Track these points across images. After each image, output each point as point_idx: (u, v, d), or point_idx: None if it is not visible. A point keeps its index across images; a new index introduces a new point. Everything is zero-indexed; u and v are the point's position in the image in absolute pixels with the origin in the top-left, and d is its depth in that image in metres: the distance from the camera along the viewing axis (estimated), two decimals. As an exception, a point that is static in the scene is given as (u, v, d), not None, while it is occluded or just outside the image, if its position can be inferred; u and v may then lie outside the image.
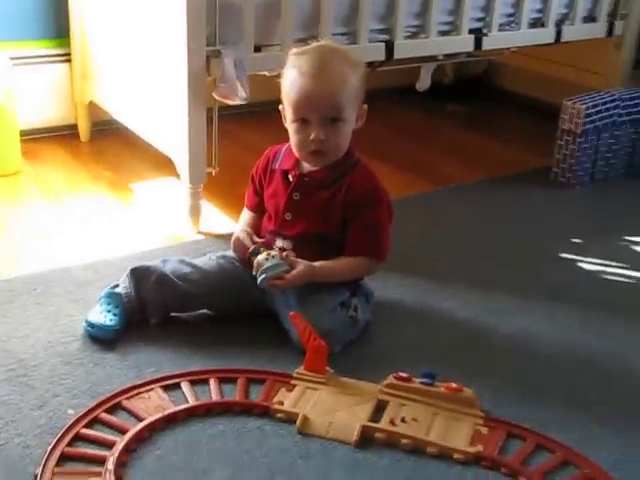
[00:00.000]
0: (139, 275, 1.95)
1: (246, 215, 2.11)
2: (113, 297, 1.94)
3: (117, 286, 1.97)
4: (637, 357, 1.97)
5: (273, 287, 1.87)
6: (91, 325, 1.89)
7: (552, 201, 2.86)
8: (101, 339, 1.88)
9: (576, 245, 2.54)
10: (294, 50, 1.96)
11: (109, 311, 1.91)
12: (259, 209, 2.08)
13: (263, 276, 1.86)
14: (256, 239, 1.97)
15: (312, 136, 1.87)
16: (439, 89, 3.83)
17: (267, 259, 1.87)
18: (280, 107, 1.96)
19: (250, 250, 1.92)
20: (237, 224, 2.13)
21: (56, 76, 3.08)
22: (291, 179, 1.98)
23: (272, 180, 2.02)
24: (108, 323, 1.89)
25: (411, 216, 2.52)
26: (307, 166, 1.96)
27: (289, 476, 1.52)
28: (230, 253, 2.03)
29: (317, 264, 1.91)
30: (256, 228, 2.05)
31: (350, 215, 1.94)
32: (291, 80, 1.88)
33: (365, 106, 1.96)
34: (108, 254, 2.29)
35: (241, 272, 1.97)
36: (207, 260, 2.02)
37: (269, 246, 1.94)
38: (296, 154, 1.95)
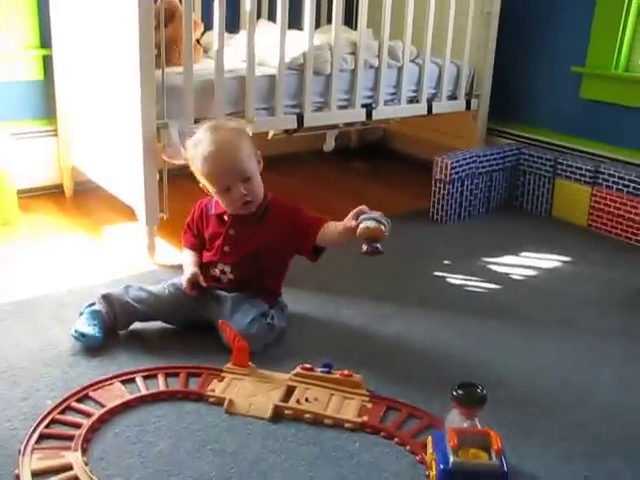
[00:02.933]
0: (109, 300, 1.95)
1: (189, 254, 2.10)
2: (96, 314, 1.93)
3: (94, 304, 1.96)
4: (488, 349, 2.02)
5: None
6: (82, 335, 1.87)
7: (429, 233, 2.92)
8: (90, 346, 1.88)
9: (446, 266, 2.59)
10: (188, 144, 1.97)
11: (95, 325, 1.90)
12: (198, 248, 2.09)
13: None
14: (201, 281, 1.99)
15: (237, 196, 1.92)
16: (346, 151, 3.92)
17: None
18: (201, 185, 1.99)
19: None
20: (183, 262, 2.10)
21: (46, 147, 3.08)
22: (226, 219, 2.01)
23: (209, 224, 2.05)
24: (97, 335, 1.88)
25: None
26: None
27: (218, 444, 1.55)
28: (177, 281, 2.04)
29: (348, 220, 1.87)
30: (199, 262, 2.06)
31: (291, 230, 1.97)
32: (201, 167, 1.92)
33: (259, 152, 1.99)
34: (84, 282, 2.29)
35: (185, 296, 1.98)
36: (160, 288, 2.02)
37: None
38: (229, 211, 1.98)
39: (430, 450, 1.51)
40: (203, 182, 1.97)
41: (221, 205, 1.99)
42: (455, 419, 1.48)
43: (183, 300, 1.98)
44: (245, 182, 1.92)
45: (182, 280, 2.00)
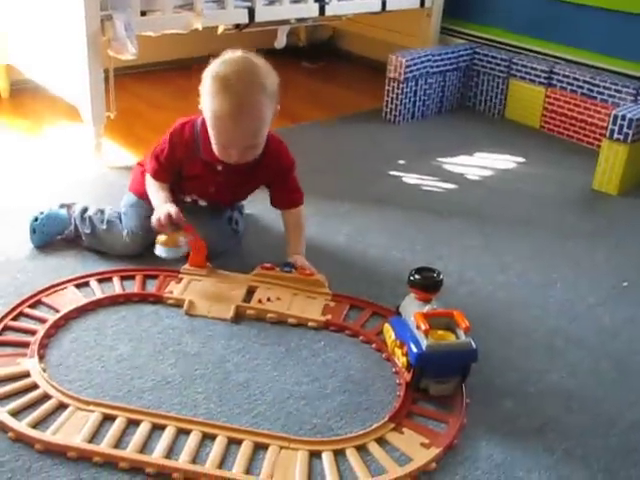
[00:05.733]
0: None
1: (161, 188, 1.76)
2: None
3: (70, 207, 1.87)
4: (448, 247, 2.01)
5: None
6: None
7: (383, 133, 2.85)
8: (51, 218, 1.82)
9: (401, 165, 2.55)
10: (217, 74, 1.61)
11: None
12: (170, 180, 1.78)
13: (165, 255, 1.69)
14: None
15: (234, 158, 1.67)
16: (296, 50, 3.78)
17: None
18: (200, 107, 1.67)
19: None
20: (152, 192, 1.77)
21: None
22: (220, 169, 1.75)
23: (195, 164, 1.76)
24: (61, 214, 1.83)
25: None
26: None
27: (180, 346, 1.51)
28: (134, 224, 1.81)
29: (300, 251, 1.80)
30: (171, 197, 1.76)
31: (273, 182, 1.83)
32: (213, 112, 1.61)
33: (279, 106, 1.69)
34: (30, 187, 2.16)
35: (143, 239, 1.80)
36: (117, 233, 1.81)
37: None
38: (219, 157, 1.70)
39: (391, 337, 1.50)
40: (205, 117, 1.68)
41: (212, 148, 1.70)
42: (411, 304, 1.48)
43: (141, 242, 1.81)
44: (249, 148, 1.67)
45: (155, 217, 1.69)
